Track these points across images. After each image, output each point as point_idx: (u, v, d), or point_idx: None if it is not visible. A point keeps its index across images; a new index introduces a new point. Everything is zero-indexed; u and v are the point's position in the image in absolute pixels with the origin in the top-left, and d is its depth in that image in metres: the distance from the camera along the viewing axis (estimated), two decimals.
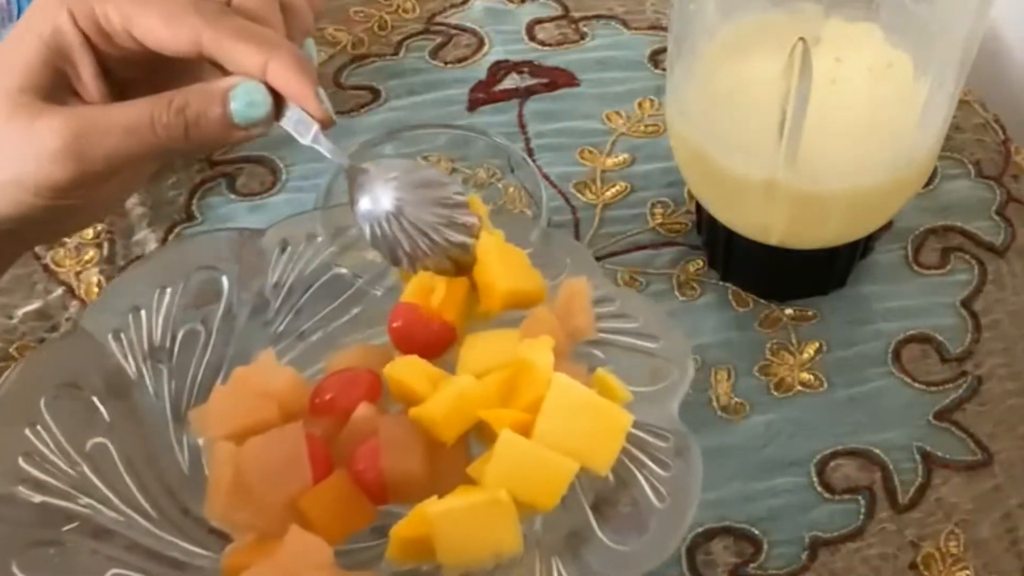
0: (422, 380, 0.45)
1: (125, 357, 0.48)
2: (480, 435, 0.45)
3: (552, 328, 0.46)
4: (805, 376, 0.60)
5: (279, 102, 0.45)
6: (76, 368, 0.46)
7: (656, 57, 0.76)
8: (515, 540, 0.41)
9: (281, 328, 0.51)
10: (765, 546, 0.54)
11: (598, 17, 0.79)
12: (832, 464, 0.57)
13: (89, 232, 0.65)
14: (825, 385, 0.59)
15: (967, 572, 0.54)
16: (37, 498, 0.42)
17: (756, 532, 0.54)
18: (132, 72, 0.47)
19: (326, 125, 0.46)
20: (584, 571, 0.40)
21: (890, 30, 0.55)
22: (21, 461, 0.43)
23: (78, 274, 0.64)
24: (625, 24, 0.78)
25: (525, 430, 0.42)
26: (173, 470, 0.47)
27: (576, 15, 0.79)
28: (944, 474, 0.56)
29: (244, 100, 0.45)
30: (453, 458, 0.44)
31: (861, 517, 0.55)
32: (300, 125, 0.46)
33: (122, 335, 0.48)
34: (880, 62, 0.55)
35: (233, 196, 0.68)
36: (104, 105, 0.46)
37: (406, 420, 0.44)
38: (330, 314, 0.52)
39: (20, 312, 0.62)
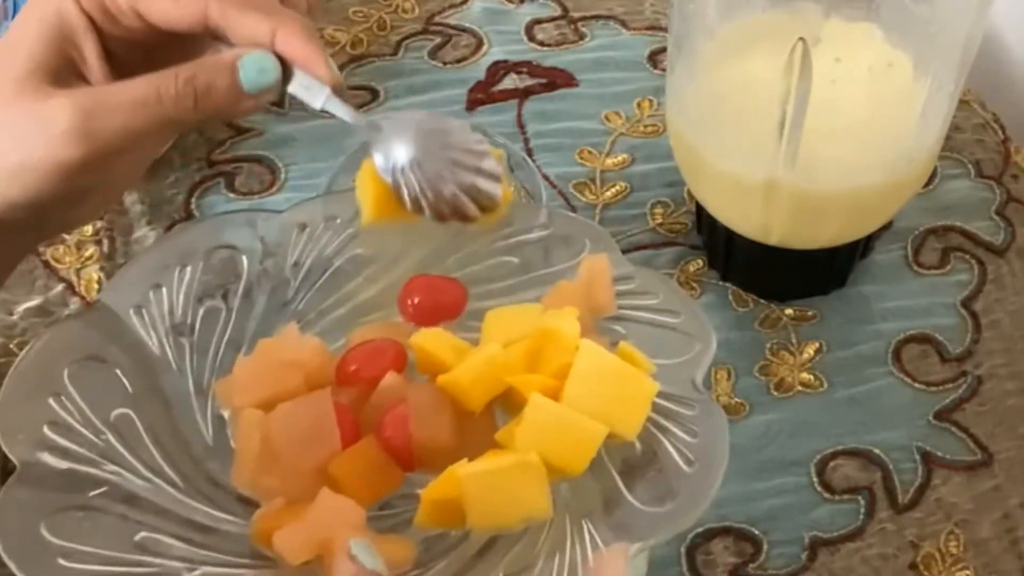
0: (448, 350, 0.46)
1: (147, 332, 0.48)
2: (506, 404, 0.45)
3: (574, 302, 0.47)
4: (805, 376, 0.60)
5: (286, 69, 0.46)
6: (98, 342, 0.47)
7: (655, 57, 0.76)
8: (545, 503, 0.41)
9: (300, 306, 0.51)
10: (765, 546, 0.54)
11: (597, 17, 0.79)
12: (832, 464, 0.57)
13: (89, 229, 0.65)
14: (825, 385, 0.59)
15: (967, 572, 0.54)
16: (63, 464, 0.43)
17: (756, 532, 0.54)
18: (133, 55, 0.48)
19: (336, 87, 0.47)
20: (617, 533, 0.40)
21: (890, 30, 0.55)
22: (46, 429, 0.43)
23: (78, 271, 0.64)
24: (624, 24, 0.78)
25: (553, 396, 0.43)
26: (197, 441, 0.47)
27: (575, 15, 0.79)
28: (944, 474, 0.56)
29: (253, 67, 0.45)
30: (480, 425, 0.45)
31: (861, 517, 0.55)
32: (310, 91, 0.47)
33: (143, 311, 0.48)
34: (880, 62, 0.55)
35: (232, 195, 0.68)
36: (110, 84, 0.46)
37: (434, 388, 0.45)
38: (349, 293, 0.52)
39: (20, 308, 0.62)
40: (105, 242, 0.65)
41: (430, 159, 0.47)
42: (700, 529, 0.54)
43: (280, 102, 0.72)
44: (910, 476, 0.56)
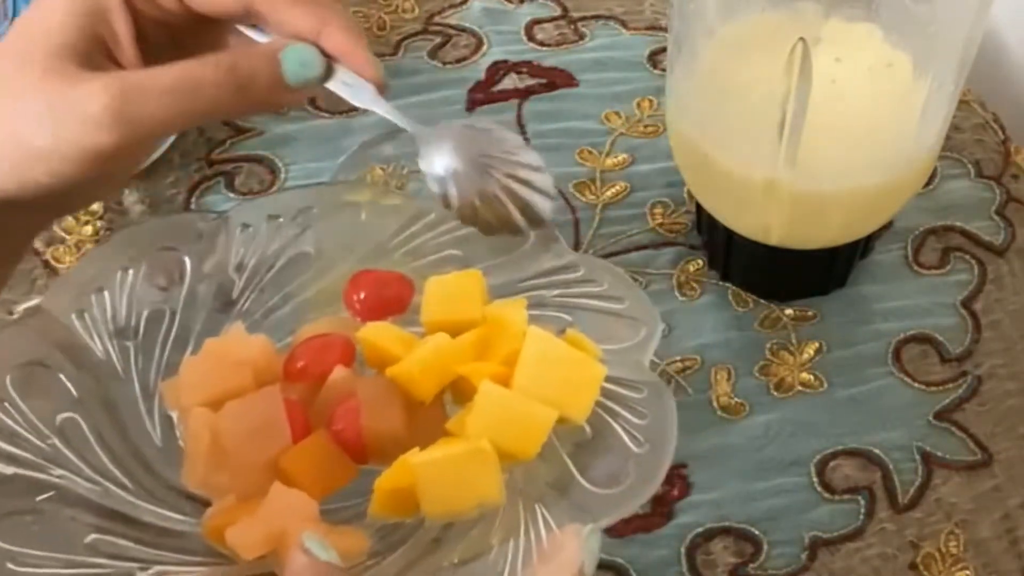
0: (396, 342, 0.46)
1: (90, 336, 0.48)
2: (455, 394, 0.46)
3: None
4: (805, 376, 0.60)
5: (329, 65, 0.45)
6: (41, 347, 0.46)
7: (655, 57, 0.76)
8: (497, 489, 0.41)
9: (246, 306, 0.52)
10: (765, 546, 0.54)
11: (597, 17, 0.79)
12: (832, 464, 0.57)
13: (88, 229, 0.65)
14: (825, 385, 0.59)
15: (967, 572, 0.53)
16: (9, 470, 0.42)
17: (756, 532, 0.54)
18: (160, 38, 0.46)
19: (381, 87, 0.46)
20: (570, 515, 0.40)
21: (890, 30, 0.55)
22: None
23: None
24: (624, 24, 0.78)
25: (503, 383, 0.43)
26: (145, 442, 0.47)
27: (575, 15, 0.79)
28: (944, 474, 0.56)
29: (296, 60, 0.44)
30: (431, 416, 0.45)
31: (861, 517, 0.55)
32: (353, 88, 0.46)
33: (86, 315, 0.48)
34: (880, 62, 0.55)
35: (232, 195, 0.68)
36: (146, 68, 0.44)
37: (383, 380, 0.45)
38: (294, 291, 0.52)
39: (20, 308, 0.62)
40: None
41: (481, 167, 0.47)
42: (700, 529, 0.54)
43: None
44: (910, 476, 0.56)
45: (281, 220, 0.52)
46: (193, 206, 0.67)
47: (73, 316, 0.48)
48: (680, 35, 0.57)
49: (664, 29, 0.77)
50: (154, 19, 0.45)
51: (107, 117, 0.42)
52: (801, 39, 0.49)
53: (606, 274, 0.49)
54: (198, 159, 0.69)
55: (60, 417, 0.45)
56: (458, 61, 0.76)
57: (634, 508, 0.41)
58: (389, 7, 0.79)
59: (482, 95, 0.73)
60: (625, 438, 0.43)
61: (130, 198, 0.67)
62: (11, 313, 0.61)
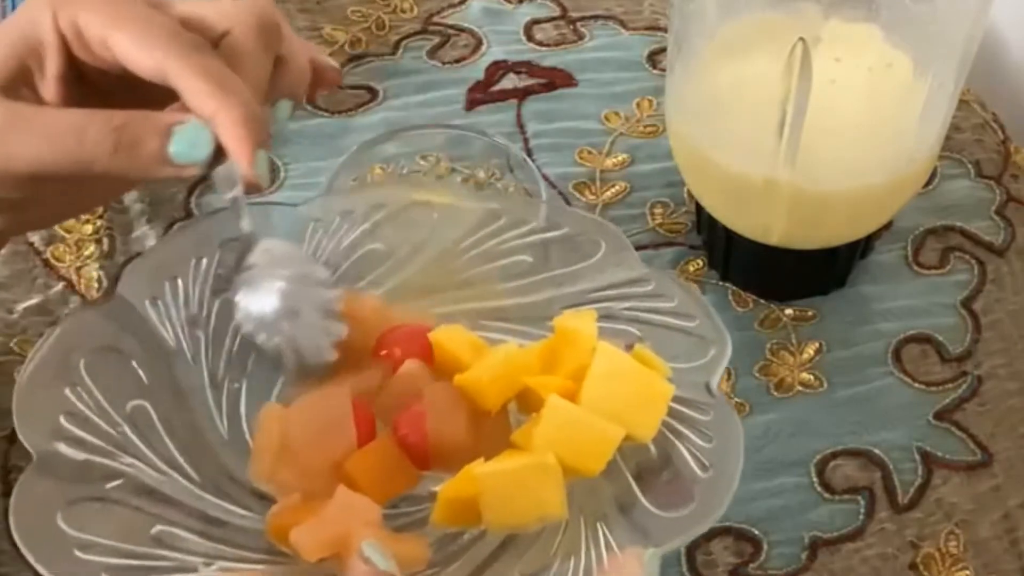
0: (466, 347, 0.46)
1: (163, 324, 0.48)
2: (521, 405, 0.45)
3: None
4: (805, 376, 0.60)
5: (220, 152, 0.44)
6: (114, 332, 0.47)
7: (654, 57, 0.76)
8: (561, 504, 0.41)
9: None
10: (765, 546, 0.54)
11: (596, 17, 0.79)
12: (832, 464, 0.57)
13: (88, 228, 0.65)
14: (825, 385, 0.59)
15: (967, 572, 0.53)
16: (80, 455, 0.42)
17: (756, 532, 0.54)
18: (110, 84, 0.46)
19: (250, 189, 0.45)
20: (631, 537, 0.40)
21: (890, 30, 0.55)
22: (63, 420, 0.43)
23: (78, 269, 0.63)
24: (623, 24, 0.78)
25: (570, 397, 0.43)
26: (213, 434, 0.47)
27: (574, 15, 0.79)
28: (944, 474, 0.56)
29: (187, 139, 0.43)
30: (496, 426, 0.45)
31: (861, 517, 0.55)
32: (228, 181, 0.45)
33: (159, 302, 0.48)
34: (880, 62, 0.55)
35: None
36: (44, 107, 0.45)
37: (451, 387, 0.45)
38: (365, 288, 0.52)
39: (20, 307, 0.61)
40: (105, 241, 0.65)
41: (299, 313, 0.47)
42: None
43: None
44: (910, 476, 0.56)
45: (354, 215, 0.52)
46: (193, 205, 0.67)
47: (147, 302, 0.48)
48: (680, 35, 0.57)
49: (664, 29, 0.77)
50: (95, 67, 0.45)
51: None
52: (801, 39, 0.50)
53: (677, 290, 0.49)
54: None
55: (130, 404, 0.45)
56: (457, 61, 0.76)
57: (696, 534, 0.40)
58: (388, 7, 0.79)
59: (481, 95, 0.73)
60: (691, 461, 0.43)
61: (130, 197, 0.67)
62: (11, 312, 0.61)
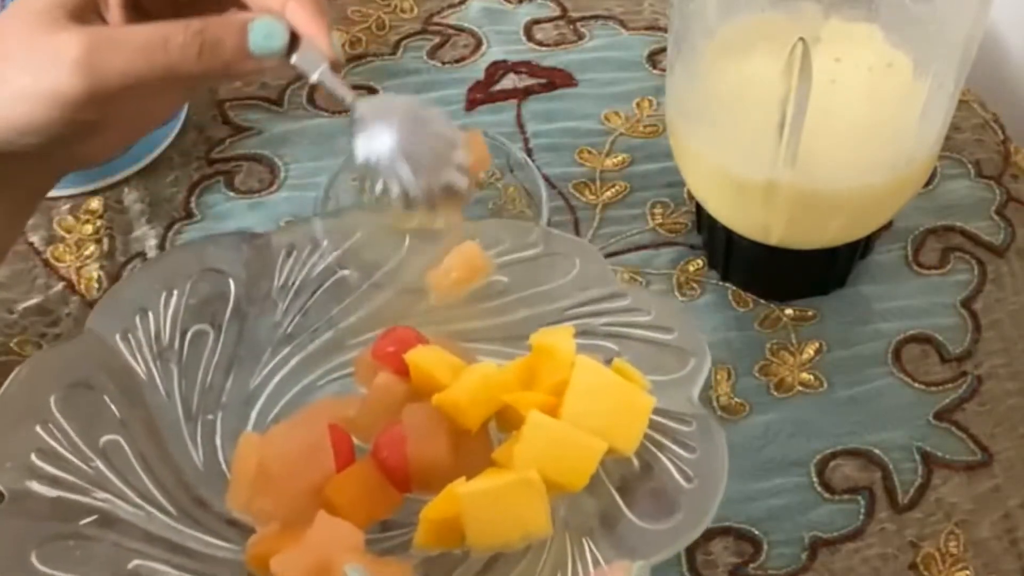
0: (443, 367, 0.46)
1: (134, 357, 0.48)
2: (501, 423, 0.45)
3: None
4: (805, 376, 0.60)
5: (294, 40, 0.47)
6: (85, 368, 0.47)
7: (654, 57, 0.75)
8: (545, 521, 0.41)
9: (290, 329, 0.51)
10: (765, 546, 0.54)
11: (596, 17, 0.79)
12: (832, 464, 0.57)
13: (88, 228, 0.65)
14: (825, 385, 0.59)
15: (967, 572, 0.53)
16: (52, 493, 0.42)
17: (756, 532, 0.54)
18: (161, 8, 0.49)
19: (336, 66, 0.48)
20: (618, 551, 0.40)
21: (890, 30, 0.55)
22: (34, 457, 0.43)
23: (78, 269, 0.63)
24: (623, 24, 0.78)
25: (550, 412, 0.43)
26: (188, 466, 0.47)
27: (574, 15, 0.79)
28: (944, 474, 0.56)
29: (262, 31, 0.46)
30: (477, 445, 0.45)
31: (861, 517, 0.55)
32: (309, 63, 0.47)
33: (130, 336, 0.49)
34: (880, 62, 0.55)
35: (232, 194, 0.67)
36: (124, 25, 0.48)
37: (429, 407, 0.45)
38: (337, 316, 0.52)
39: (20, 307, 0.62)
40: (105, 240, 0.65)
41: (414, 150, 0.48)
42: None
43: (279, 101, 0.72)
44: (910, 476, 0.56)
45: (325, 244, 0.52)
46: (193, 205, 0.67)
47: (118, 337, 0.48)
48: (680, 35, 0.57)
49: (664, 29, 0.77)
50: None
51: (78, 64, 0.45)
52: (801, 39, 0.49)
53: (653, 303, 0.49)
54: (198, 158, 0.69)
55: (103, 439, 0.45)
56: (457, 61, 0.76)
57: (683, 545, 0.41)
58: (388, 7, 0.79)
59: (481, 95, 0.73)
60: (674, 472, 0.43)
61: (130, 197, 0.67)
62: (11, 312, 0.61)
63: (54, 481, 0.43)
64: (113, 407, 0.46)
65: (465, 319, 0.50)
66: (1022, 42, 0.77)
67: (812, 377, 0.60)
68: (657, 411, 0.43)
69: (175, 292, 0.50)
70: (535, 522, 0.41)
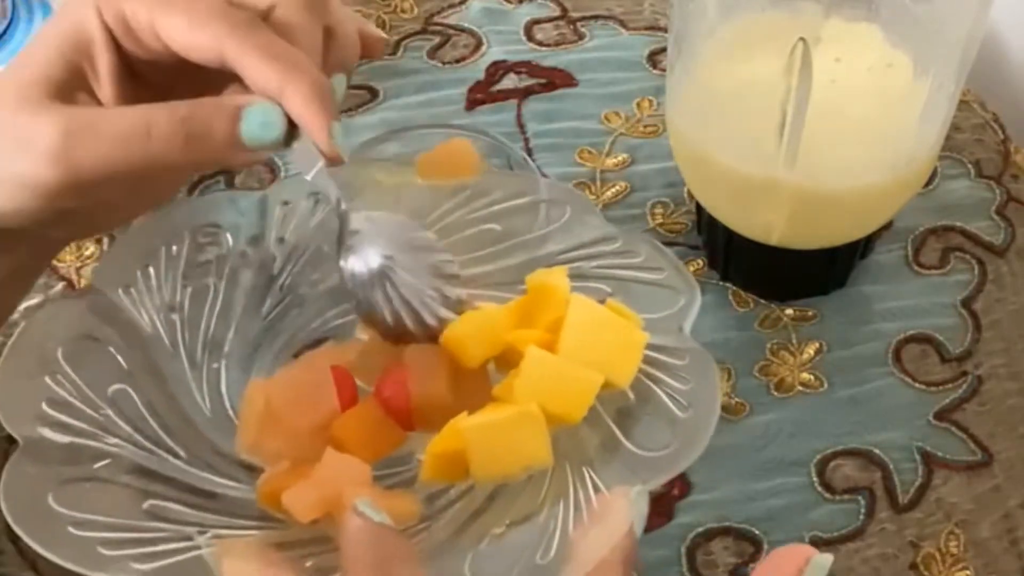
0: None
1: (138, 311, 0.48)
2: (499, 364, 0.46)
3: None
4: (805, 376, 0.60)
5: (293, 129, 0.43)
6: (90, 321, 0.47)
7: (654, 57, 0.75)
8: (546, 452, 0.42)
9: (288, 281, 0.52)
10: (765, 546, 0.54)
11: (596, 17, 0.79)
12: (832, 464, 0.57)
13: None
14: (825, 385, 0.59)
15: (967, 572, 0.53)
16: (64, 439, 0.43)
17: (756, 532, 0.54)
18: (163, 77, 0.45)
19: (333, 162, 0.44)
20: (618, 477, 0.41)
21: (890, 30, 0.55)
22: (45, 406, 0.43)
23: (78, 269, 0.64)
24: (623, 24, 0.78)
25: (548, 349, 0.43)
26: (196, 412, 0.48)
27: (574, 15, 0.79)
28: (944, 474, 0.56)
29: (257, 120, 0.42)
30: (477, 383, 0.45)
31: (861, 517, 0.55)
32: (307, 157, 0.44)
33: (132, 290, 0.49)
34: (880, 62, 0.55)
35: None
36: (104, 108, 0.44)
37: (430, 348, 0.46)
38: (334, 267, 0.52)
39: (20, 307, 0.61)
40: (105, 241, 0.65)
41: (402, 274, 0.46)
42: (700, 529, 0.54)
43: None
44: (910, 476, 0.56)
45: (319, 197, 0.53)
46: None
47: (120, 291, 0.48)
48: (680, 35, 0.57)
49: (664, 29, 0.77)
50: (146, 59, 0.44)
51: (51, 153, 0.41)
52: (801, 39, 0.50)
53: (643, 245, 0.50)
54: None
55: (112, 389, 0.46)
56: (457, 61, 0.76)
57: (680, 469, 0.41)
58: (388, 7, 0.79)
59: (481, 95, 0.73)
60: (668, 403, 0.44)
61: None
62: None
63: (65, 428, 0.43)
64: (119, 358, 0.47)
65: (461, 267, 0.51)
66: (1022, 42, 0.77)
67: (812, 377, 0.60)
68: (651, 346, 0.45)
69: (175, 247, 0.50)
70: (536, 453, 0.42)
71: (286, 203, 0.53)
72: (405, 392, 0.45)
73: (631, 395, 0.44)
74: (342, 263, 0.46)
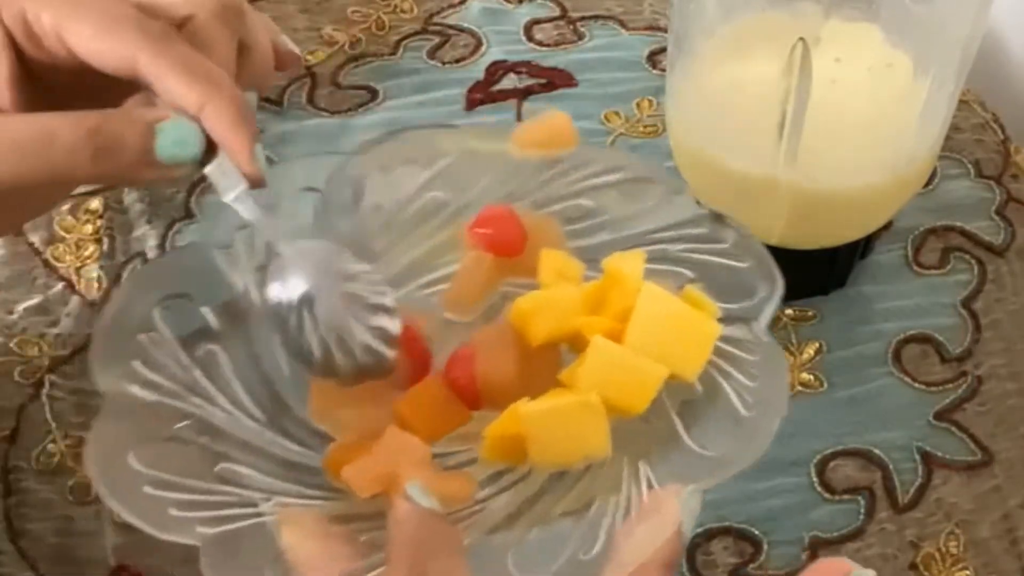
0: (551, 273, 0.47)
1: (233, 271, 0.49)
2: (572, 345, 0.46)
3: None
4: (805, 376, 0.60)
5: (210, 147, 0.41)
6: (187, 280, 0.48)
7: (654, 57, 0.75)
8: (604, 442, 0.42)
9: (382, 246, 0.52)
10: (765, 546, 0.54)
11: (596, 17, 0.79)
12: (832, 464, 0.57)
13: (89, 228, 0.65)
14: (825, 385, 0.59)
15: (967, 572, 0.53)
16: (152, 397, 0.44)
17: (756, 532, 0.54)
18: (66, 85, 0.43)
19: (255, 184, 0.42)
20: (673, 475, 0.41)
21: (890, 30, 0.55)
22: (136, 363, 0.44)
23: (78, 269, 0.63)
24: (623, 24, 0.78)
25: (616, 337, 0.43)
26: (276, 375, 0.48)
27: (574, 15, 0.79)
28: (944, 474, 0.56)
29: (173, 136, 0.40)
30: (545, 365, 0.45)
31: (861, 517, 0.55)
32: (226, 178, 0.42)
33: (228, 251, 0.49)
34: (880, 62, 0.55)
35: None
36: (3, 114, 0.41)
37: (500, 327, 0.46)
38: (429, 232, 0.52)
39: (20, 307, 0.61)
40: (105, 241, 0.65)
41: (332, 300, 0.45)
42: (700, 529, 0.54)
43: (279, 101, 0.72)
44: (910, 476, 0.56)
45: (417, 162, 0.52)
46: (193, 205, 0.67)
47: (216, 250, 0.49)
48: (680, 35, 0.57)
49: (664, 29, 0.77)
50: (49, 65, 0.42)
51: None
52: (801, 39, 0.49)
53: (730, 232, 0.49)
54: None
55: (201, 349, 0.46)
56: (457, 61, 0.76)
57: (735, 471, 0.40)
58: (388, 7, 0.79)
59: (481, 95, 0.73)
60: (735, 399, 0.43)
61: (130, 197, 0.67)
62: (11, 313, 0.61)
63: (154, 387, 0.44)
64: (212, 318, 0.47)
65: (546, 244, 0.51)
66: (1022, 42, 0.77)
67: (812, 377, 0.60)
68: (724, 339, 0.44)
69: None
70: (595, 443, 0.42)
71: (384, 168, 0.52)
72: (472, 372, 0.45)
73: (699, 387, 0.44)
74: (266, 291, 0.45)
